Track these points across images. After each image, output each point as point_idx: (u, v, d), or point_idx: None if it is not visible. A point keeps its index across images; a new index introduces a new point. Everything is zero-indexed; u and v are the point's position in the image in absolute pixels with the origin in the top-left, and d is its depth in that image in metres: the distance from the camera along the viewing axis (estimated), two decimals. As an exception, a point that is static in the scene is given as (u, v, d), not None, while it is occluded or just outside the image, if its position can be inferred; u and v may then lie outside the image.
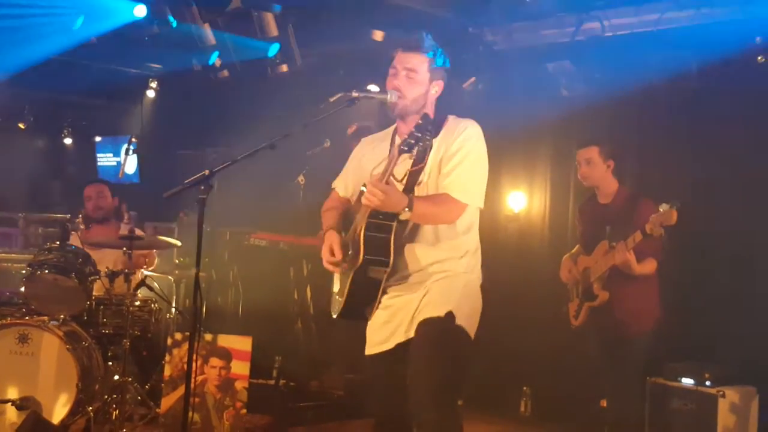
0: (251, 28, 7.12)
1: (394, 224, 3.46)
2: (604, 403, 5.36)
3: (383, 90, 3.66)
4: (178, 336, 5.76)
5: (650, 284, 4.99)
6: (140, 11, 7.07)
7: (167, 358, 5.71)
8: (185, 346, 5.61)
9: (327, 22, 7.17)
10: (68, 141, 12.19)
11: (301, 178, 6.91)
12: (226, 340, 5.72)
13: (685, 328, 5.69)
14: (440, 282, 3.54)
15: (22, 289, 5.51)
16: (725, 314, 5.73)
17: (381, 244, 3.47)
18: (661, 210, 4.54)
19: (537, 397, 6.84)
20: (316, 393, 6.83)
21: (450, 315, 3.47)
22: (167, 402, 5.63)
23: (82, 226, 6.40)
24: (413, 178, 3.50)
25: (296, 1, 7.08)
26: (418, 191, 3.50)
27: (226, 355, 5.66)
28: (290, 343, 7.06)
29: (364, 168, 3.74)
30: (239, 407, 5.61)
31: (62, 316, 5.38)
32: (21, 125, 11.55)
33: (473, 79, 7.04)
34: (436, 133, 3.48)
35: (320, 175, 6.95)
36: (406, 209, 3.32)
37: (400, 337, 3.54)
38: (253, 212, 7.58)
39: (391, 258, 3.46)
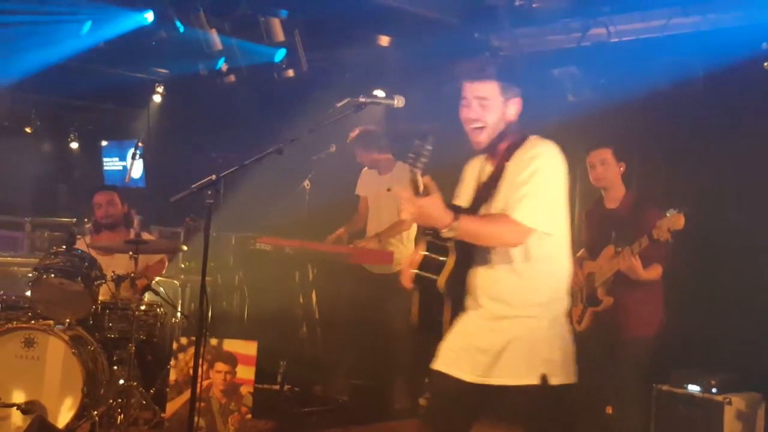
0: (258, 34, 7.13)
1: (452, 244, 3.34)
2: (609, 409, 5.34)
3: (389, 95, 3.66)
4: (184, 340, 5.76)
5: (655, 290, 5.00)
6: (147, 17, 7.10)
7: (172, 362, 5.71)
8: (190, 350, 5.61)
9: (333, 27, 7.19)
10: (75, 145, 12.24)
11: (306, 183, 6.91)
12: (231, 345, 5.71)
13: (690, 335, 5.68)
14: (522, 331, 3.33)
15: (28, 293, 5.51)
16: (731, 320, 5.72)
17: (438, 262, 3.38)
18: (668, 215, 4.53)
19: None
20: (321, 398, 6.83)
21: (544, 380, 3.29)
22: (172, 407, 5.62)
23: (90, 233, 6.42)
24: (482, 197, 3.42)
25: (303, 6, 7.09)
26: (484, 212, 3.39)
27: (232, 360, 5.66)
28: (295, 348, 7.05)
29: (465, 186, 3.64)
30: (244, 412, 5.60)
31: (68, 320, 5.39)
32: (28, 129, 11.59)
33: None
34: (510, 155, 3.38)
35: (326, 179, 6.97)
36: (451, 226, 3.14)
37: (476, 377, 3.38)
38: (258, 217, 7.58)
39: (443, 280, 3.34)
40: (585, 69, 6.53)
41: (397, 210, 6.55)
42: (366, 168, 6.89)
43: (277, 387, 6.65)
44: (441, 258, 3.38)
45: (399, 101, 3.67)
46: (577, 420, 5.70)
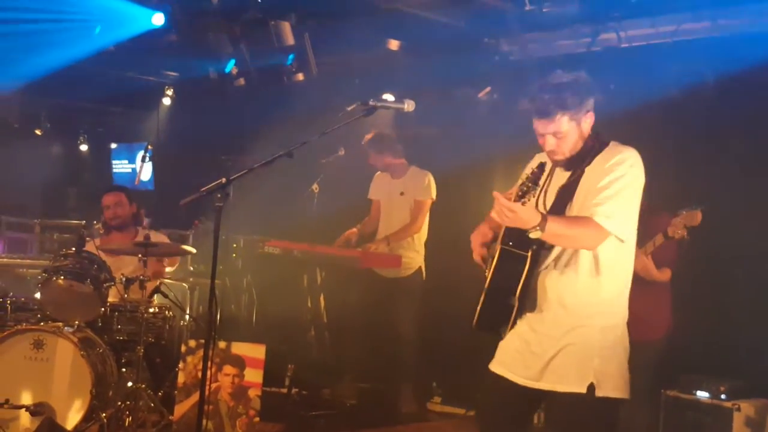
0: (268, 37, 7.14)
1: (529, 254, 3.38)
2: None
3: (400, 99, 3.67)
4: (192, 343, 5.76)
5: (664, 293, 5.01)
6: (158, 20, 7.12)
7: (181, 365, 5.71)
8: (199, 353, 5.62)
9: (343, 31, 7.19)
10: (84, 148, 12.28)
11: (315, 186, 6.93)
12: (239, 348, 5.72)
13: (700, 340, 5.66)
14: (578, 336, 3.36)
15: (38, 295, 5.52)
16: (740, 326, 5.70)
17: (512, 269, 3.41)
18: (685, 212, 4.52)
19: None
20: (329, 401, 6.83)
21: (591, 390, 3.30)
22: (180, 409, 5.63)
23: (101, 232, 6.43)
24: (561, 202, 3.43)
25: (312, 10, 7.11)
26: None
27: (240, 363, 5.66)
28: (303, 352, 7.06)
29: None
30: (252, 415, 5.60)
31: (77, 322, 5.40)
32: (37, 131, 11.64)
33: (488, 89, 7.04)
34: (590, 161, 3.40)
35: (334, 183, 6.98)
36: (538, 228, 3.16)
37: (528, 380, 3.43)
38: (267, 220, 7.59)
39: (518, 289, 3.38)
40: (595, 74, 6.49)
41: (408, 213, 6.56)
42: (379, 172, 6.89)
43: (285, 390, 6.66)
44: (518, 267, 3.40)
45: (409, 105, 3.68)
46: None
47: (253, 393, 5.63)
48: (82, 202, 11.66)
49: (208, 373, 3.84)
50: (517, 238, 3.36)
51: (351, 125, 3.73)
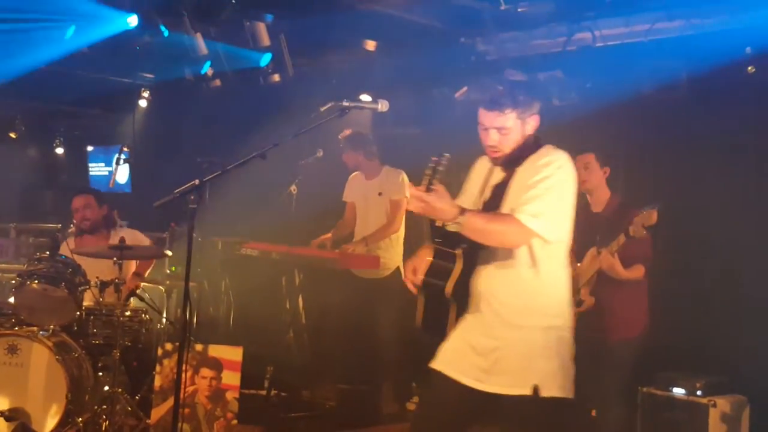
0: (243, 38, 7.12)
1: (459, 252, 3.41)
2: (593, 413, 5.35)
3: (375, 100, 3.67)
4: (169, 346, 5.74)
5: (638, 291, 5.04)
6: (132, 21, 7.07)
7: (158, 368, 5.68)
8: (176, 356, 5.58)
9: (319, 31, 7.18)
10: (60, 151, 12.18)
11: (293, 188, 6.91)
12: (216, 351, 5.69)
13: (676, 337, 5.69)
14: (520, 337, 3.38)
15: (12, 299, 5.49)
16: (716, 323, 5.74)
17: (442, 272, 3.44)
18: (644, 212, 4.57)
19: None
20: (308, 403, 6.81)
21: (536, 391, 3.32)
22: (158, 413, 5.60)
23: (74, 234, 6.38)
24: (494, 201, 3.48)
25: (288, 10, 7.09)
26: None
27: (217, 366, 5.64)
28: (282, 353, 7.04)
29: (472, 184, 3.72)
30: (230, 418, 5.58)
31: (52, 326, 5.36)
32: (12, 135, 11.54)
33: (465, 88, 7.05)
34: (522, 161, 3.44)
35: (313, 184, 6.97)
36: (456, 220, 3.20)
37: (471, 381, 3.44)
38: (245, 222, 7.57)
39: (451, 288, 3.41)
40: (570, 73, 6.54)
41: (385, 214, 6.56)
42: (352, 174, 6.88)
43: (263, 392, 6.64)
44: (449, 265, 3.43)
45: (383, 105, 3.67)
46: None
47: (230, 395, 5.61)
48: (58, 205, 11.55)
49: (185, 376, 3.82)
50: (444, 234, 3.40)
51: (329, 126, 3.73)
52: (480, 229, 3.29)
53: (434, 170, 3.23)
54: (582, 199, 5.26)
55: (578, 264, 5.13)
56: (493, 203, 3.48)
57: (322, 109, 3.65)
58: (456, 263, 3.42)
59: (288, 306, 7.13)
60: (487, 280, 3.45)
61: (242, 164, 3.57)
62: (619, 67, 6.16)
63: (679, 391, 5.34)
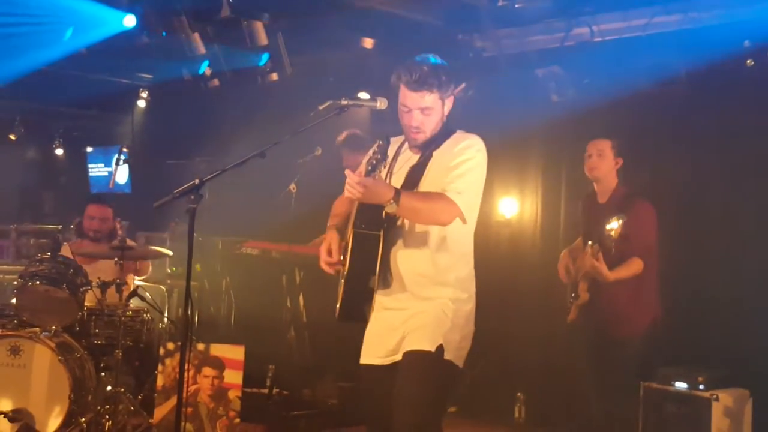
0: (241, 37, 7.12)
1: (381, 233, 3.46)
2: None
3: (373, 98, 3.67)
4: (171, 346, 5.75)
5: (641, 284, 4.92)
6: (129, 21, 7.07)
7: (160, 368, 5.69)
8: (178, 355, 5.59)
9: (317, 30, 7.18)
10: (59, 152, 12.19)
11: (292, 187, 6.90)
12: (218, 350, 5.71)
13: (678, 332, 5.69)
14: (430, 306, 3.52)
15: (14, 300, 5.49)
16: (718, 317, 5.74)
17: (368, 251, 3.48)
18: (615, 224, 4.56)
19: (531, 403, 6.84)
20: (310, 401, 6.82)
21: (440, 350, 3.45)
22: (160, 412, 5.61)
23: (74, 237, 6.39)
24: (410, 181, 3.53)
25: (286, 9, 7.08)
26: None
27: (219, 365, 5.65)
28: (283, 352, 7.05)
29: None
30: (232, 416, 5.59)
31: (54, 327, 5.37)
32: (12, 136, 11.55)
33: (463, 85, 7.03)
34: (438, 145, 3.53)
35: (312, 183, 6.96)
36: (392, 202, 3.26)
37: (388, 357, 3.57)
38: (245, 221, 7.57)
39: (377, 267, 3.47)
40: (568, 69, 6.55)
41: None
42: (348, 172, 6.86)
43: (265, 391, 6.64)
44: (373, 247, 3.48)
45: (381, 103, 3.67)
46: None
47: (233, 394, 5.62)
48: (58, 206, 11.59)
49: (187, 375, 3.82)
50: (369, 219, 3.46)
51: (329, 124, 3.73)
52: (416, 207, 3.38)
53: (382, 154, 3.34)
54: (588, 187, 5.26)
55: (582, 254, 5.10)
56: (409, 184, 3.53)
57: (321, 107, 3.64)
58: (380, 244, 3.47)
59: (289, 304, 7.14)
60: (402, 257, 3.54)
61: (242, 163, 3.57)
62: (617, 61, 6.16)
63: (681, 385, 5.33)
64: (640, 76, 5.99)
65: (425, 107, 3.49)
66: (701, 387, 5.26)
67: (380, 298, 3.60)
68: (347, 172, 3.29)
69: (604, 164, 5.04)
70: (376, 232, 3.46)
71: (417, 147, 3.60)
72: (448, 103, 3.57)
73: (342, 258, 3.62)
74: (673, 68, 5.91)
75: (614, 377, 5.01)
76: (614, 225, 4.61)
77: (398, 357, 3.52)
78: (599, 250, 4.69)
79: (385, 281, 3.55)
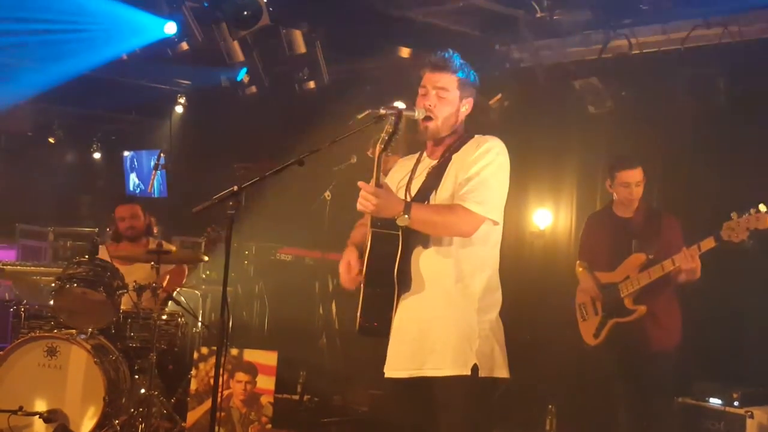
0: (280, 45, 7.17)
1: (399, 233, 3.39)
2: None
3: (410, 107, 3.68)
4: (204, 350, 5.79)
5: (675, 300, 4.99)
6: (170, 28, 7.16)
7: (193, 372, 5.74)
8: (211, 360, 5.64)
9: (354, 39, 7.21)
10: (97, 155, 12.32)
11: (327, 194, 6.94)
12: (251, 355, 5.74)
13: (713, 347, 5.64)
14: (454, 317, 3.39)
15: (51, 302, 5.56)
16: (754, 333, 5.68)
17: (386, 251, 3.42)
18: (751, 213, 4.44)
19: (562, 416, 6.80)
20: (340, 408, 6.83)
21: (474, 370, 3.33)
22: (193, 416, 5.65)
23: (111, 240, 6.46)
24: (428, 185, 3.50)
25: (324, 18, 7.13)
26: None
27: (252, 370, 5.68)
28: (315, 359, 7.07)
29: (391, 185, 3.68)
30: (264, 422, 5.62)
31: (90, 329, 5.44)
32: (51, 140, 11.70)
33: (500, 96, 7.04)
34: (458, 148, 3.50)
35: (346, 190, 6.97)
36: (404, 215, 3.25)
37: (413, 371, 3.43)
38: (279, 227, 7.61)
39: (395, 271, 3.40)
40: (606, 81, 6.52)
41: None
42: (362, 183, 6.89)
43: (297, 397, 6.67)
44: (392, 248, 3.41)
45: (419, 113, 3.68)
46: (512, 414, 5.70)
47: (265, 400, 5.65)
48: (95, 209, 11.71)
49: (221, 380, 3.85)
50: (386, 218, 3.37)
51: (363, 133, 3.74)
52: (428, 220, 3.34)
53: (391, 130, 3.34)
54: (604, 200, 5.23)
55: (608, 272, 5.08)
56: (427, 188, 3.50)
57: (359, 116, 3.65)
58: (399, 244, 3.41)
59: (321, 311, 7.17)
60: (424, 261, 3.44)
61: (280, 170, 3.58)
62: (655, 75, 6.13)
63: (716, 402, 5.29)
64: (678, 89, 5.95)
65: (441, 87, 3.48)
66: (736, 403, 5.21)
67: (401, 303, 3.48)
68: (361, 183, 3.29)
69: (640, 190, 5.01)
70: (394, 232, 3.40)
71: (428, 137, 3.55)
72: (466, 104, 3.53)
73: (361, 271, 3.53)
74: (712, 83, 5.86)
75: (647, 391, 4.98)
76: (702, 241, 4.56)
77: (423, 372, 3.39)
78: (700, 252, 4.63)
79: (405, 284, 3.45)
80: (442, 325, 3.40)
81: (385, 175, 6.83)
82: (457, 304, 3.40)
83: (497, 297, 3.50)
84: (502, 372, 3.42)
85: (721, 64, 5.84)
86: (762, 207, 4.45)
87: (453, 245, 3.42)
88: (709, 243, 4.62)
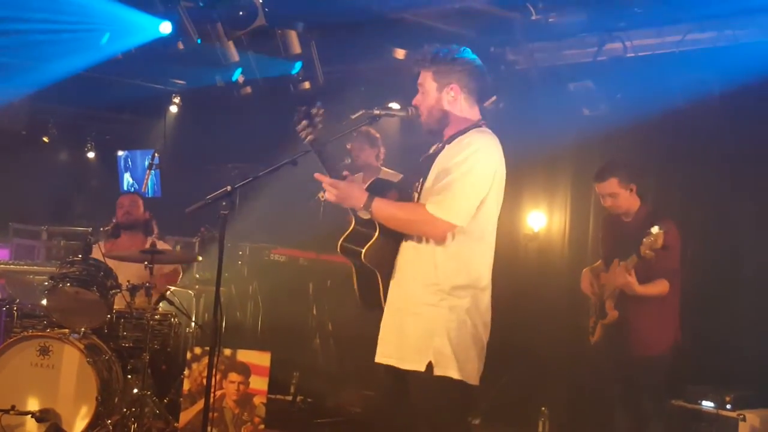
0: (275, 46, 7.17)
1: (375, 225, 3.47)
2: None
3: (404, 107, 3.69)
4: (198, 350, 5.78)
5: (665, 305, 4.94)
6: (165, 28, 7.15)
7: (186, 372, 5.73)
8: (204, 360, 5.63)
9: (349, 40, 7.21)
10: (91, 155, 12.30)
11: (321, 195, 6.90)
12: (245, 356, 5.73)
13: (705, 351, 5.65)
14: (424, 313, 3.40)
15: (44, 301, 5.56)
16: (746, 337, 5.69)
17: (361, 237, 3.50)
18: (652, 231, 4.51)
19: (555, 418, 6.80)
20: (334, 409, 6.83)
21: (429, 368, 3.34)
22: (186, 416, 5.64)
23: (107, 238, 6.46)
24: (417, 174, 3.56)
25: (319, 19, 7.12)
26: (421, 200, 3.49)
27: (245, 370, 5.68)
28: (308, 359, 7.07)
29: None
30: (257, 422, 5.62)
31: (83, 328, 5.42)
32: (45, 139, 11.67)
33: (494, 98, 7.04)
34: (450, 141, 3.50)
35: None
36: (365, 208, 3.34)
37: (386, 358, 3.52)
38: (273, 228, 7.61)
39: (367, 252, 3.44)
40: (601, 84, 6.53)
41: None
42: (349, 177, 6.88)
43: (290, 398, 6.67)
44: (369, 231, 3.48)
45: (412, 112, 3.69)
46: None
47: (258, 400, 5.64)
48: (89, 208, 11.68)
49: (213, 380, 3.85)
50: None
51: (357, 133, 3.76)
52: (391, 217, 3.41)
53: (322, 154, 3.41)
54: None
55: (606, 272, 5.11)
56: (419, 173, 3.56)
57: (353, 116, 3.67)
58: (376, 230, 3.46)
59: (315, 312, 7.16)
60: (404, 252, 3.50)
61: (273, 171, 3.60)
62: (650, 78, 6.14)
63: (708, 405, 5.30)
64: (672, 92, 5.96)
65: (420, 83, 3.57)
66: (728, 406, 5.23)
67: (391, 289, 3.53)
68: (317, 175, 3.39)
69: (620, 201, 5.02)
70: (368, 225, 3.48)
71: (426, 131, 3.62)
72: (451, 91, 3.52)
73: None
74: (707, 86, 5.87)
75: (640, 394, 4.99)
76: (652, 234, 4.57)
77: (388, 361, 3.47)
78: (632, 267, 4.69)
79: (385, 271, 3.51)
80: (413, 318, 3.42)
81: (360, 164, 6.84)
82: (427, 299, 3.40)
83: (470, 299, 3.43)
84: (454, 373, 3.36)
85: (715, 68, 5.85)
86: (655, 228, 4.51)
87: (438, 246, 3.42)
88: (633, 259, 4.68)
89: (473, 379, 3.43)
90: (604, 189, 5.04)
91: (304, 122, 3.35)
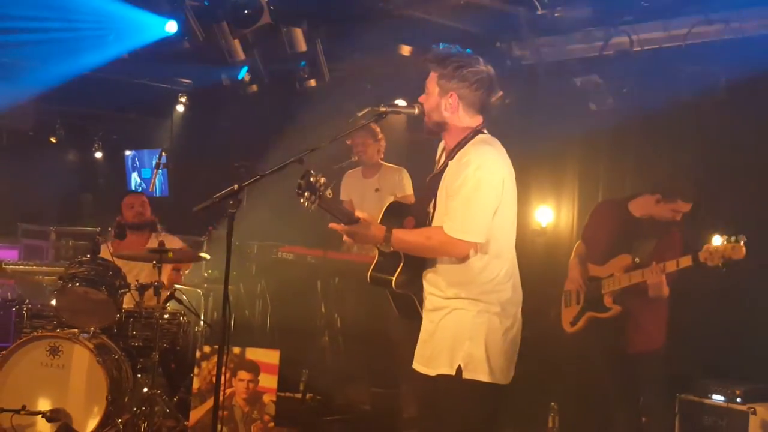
0: (280, 44, 7.17)
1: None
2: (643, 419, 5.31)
3: (410, 104, 3.68)
4: (207, 349, 5.79)
5: (661, 306, 4.99)
6: (171, 27, 7.16)
7: (196, 371, 5.74)
8: (214, 359, 5.64)
9: (355, 37, 7.21)
10: (99, 155, 12.34)
11: (329, 192, 6.91)
12: (254, 354, 5.74)
13: (715, 344, 5.63)
14: (454, 316, 3.43)
15: (53, 301, 5.57)
16: (757, 330, 5.67)
17: (390, 266, 3.52)
18: (727, 242, 4.42)
19: (564, 413, 6.79)
20: (343, 406, 6.83)
21: (458, 372, 3.37)
22: (196, 415, 5.65)
23: (113, 238, 6.47)
24: (428, 194, 3.55)
25: (324, 16, 7.13)
26: (435, 221, 3.50)
27: (254, 369, 5.68)
28: (317, 357, 7.07)
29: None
30: (267, 420, 5.62)
31: (92, 328, 5.44)
32: (52, 139, 11.71)
33: (500, 93, 7.01)
34: (454, 154, 3.48)
35: (348, 188, 6.99)
36: (385, 242, 3.36)
37: (421, 367, 3.55)
38: (281, 226, 7.61)
39: (393, 280, 3.48)
40: (607, 78, 6.51)
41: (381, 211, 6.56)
42: (348, 172, 6.90)
43: (299, 395, 6.67)
44: (394, 261, 3.51)
45: (419, 109, 3.69)
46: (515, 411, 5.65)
47: (267, 398, 5.65)
48: (97, 208, 11.72)
49: (223, 378, 3.85)
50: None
51: (363, 130, 3.76)
52: (410, 245, 3.42)
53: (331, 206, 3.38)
54: (618, 194, 5.22)
55: (598, 265, 5.08)
56: (428, 195, 3.55)
57: (360, 113, 3.67)
58: (401, 258, 3.49)
59: (323, 310, 7.16)
60: (430, 270, 3.51)
61: (280, 169, 3.59)
62: (656, 71, 6.12)
63: (718, 398, 5.29)
64: (679, 86, 5.94)
65: (426, 84, 3.55)
66: (739, 400, 5.21)
67: (426, 301, 3.56)
68: (332, 225, 3.39)
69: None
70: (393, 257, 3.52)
71: (428, 134, 3.62)
72: (450, 99, 3.48)
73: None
74: (714, 79, 5.84)
75: (644, 389, 5.00)
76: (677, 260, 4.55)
77: (420, 369, 3.51)
78: (672, 269, 4.66)
79: (420, 289, 3.55)
80: (443, 325, 3.45)
81: (362, 159, 6.75)
82: (456, 304, 3.43)
83: (500, 299, 3.45)
84: (484, 377, 3.39)
85: (722, 61, 5.82)
86: (741, 238, 4.43)
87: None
88: (685, 262, 4.63)
89: (504, 379, 3.46)
90: (651, 200, 4.98)
91: (307, 194, 3.29)
